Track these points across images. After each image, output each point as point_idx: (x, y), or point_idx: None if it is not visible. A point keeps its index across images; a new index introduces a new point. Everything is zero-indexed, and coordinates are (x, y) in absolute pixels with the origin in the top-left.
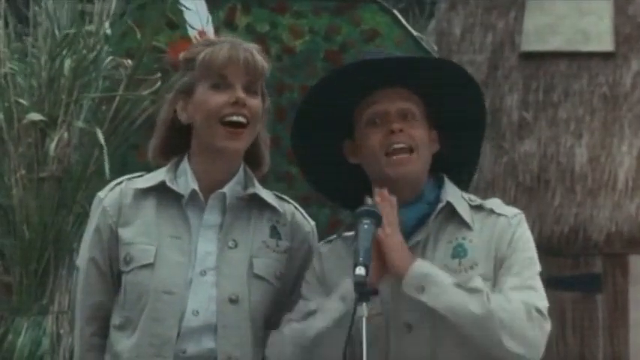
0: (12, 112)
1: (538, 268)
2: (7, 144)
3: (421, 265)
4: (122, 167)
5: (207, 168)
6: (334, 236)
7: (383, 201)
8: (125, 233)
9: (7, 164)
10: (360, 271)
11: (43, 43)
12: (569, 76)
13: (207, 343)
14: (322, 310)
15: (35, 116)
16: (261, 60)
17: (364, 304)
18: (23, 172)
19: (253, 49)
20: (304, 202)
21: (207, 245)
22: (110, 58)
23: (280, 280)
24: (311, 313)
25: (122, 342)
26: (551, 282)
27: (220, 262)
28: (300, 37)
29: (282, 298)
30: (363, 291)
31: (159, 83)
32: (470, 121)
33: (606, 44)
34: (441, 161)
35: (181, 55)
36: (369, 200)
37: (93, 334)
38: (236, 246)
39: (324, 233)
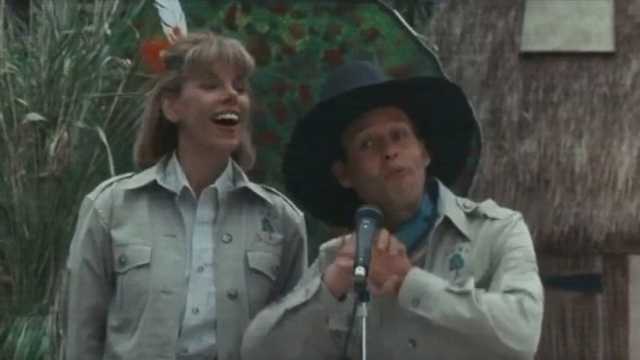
0: (12, 112)
1: (533, 260)
2: (6, 144)
3: (413, 276)
4: (124, 167)
5: (197, 165)
6: (336, 241)
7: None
8: (118, 234)
9: (7, 164)
10: (360, 271)
11: (42, 43)
12: (569, 76)
13: (208, 340)
14: (285, 300)
15: (35, 116)
16: (248, 56)
17: (364, 304)
18: (23, 172)
19: (239, 45)
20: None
21: (202, 241)
22: (109, 58)
23: (275, 274)
24: (278, 302)
25: (121, 343)
26: (552, 282)
27: (217, 258)
28: (300, 37)
29: (275, 290)
30: (363, 291)
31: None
32: (458, 122)
33: (606, 44)
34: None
35: (163, 54)
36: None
37: (90, 336)
38: (230, 240)
39: (324, 233)
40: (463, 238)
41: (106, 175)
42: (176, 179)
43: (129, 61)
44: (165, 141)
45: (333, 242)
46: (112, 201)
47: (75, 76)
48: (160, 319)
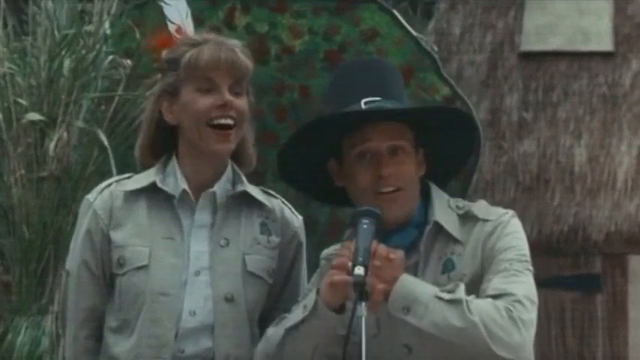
0: (11, 112)
1: (526, 259)
2: (6, 144)
3: (403, 284)
4: (123, 167)
5: (196, 168)
6: (335, 247)
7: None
8: (117, 236)
9: (6, 164)
10: (359, 270)
11: (42, 43)
12: (568, 76)
13: (205, 342)
14: (286, 318)
15: (34, 116)
16: (244, 59)
17: (363, 304)
18: (23, 171)
19: (236, 47)
20: (304, 202)
21: (199, 245)
22: (109, 58)
23: (272, 277)
24: (282, 319)
25: (119, 344)
26: (551, 282)
27: (213, 261)
28: (300, 36)
29: (273, 294)
30: (362, 291)
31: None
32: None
33: (606, 44)
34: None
35: (164, 55)
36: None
37: (87, 337)
38: (227, 244)
39: (324, 232)
40: (455, 241)
41: (105, 175)
42: (175, 181)
43: (129, 61)
44: (164, 142)
45: (333, 249)
46: (111, 202)
47: (75, 75)
48: (157, 320)
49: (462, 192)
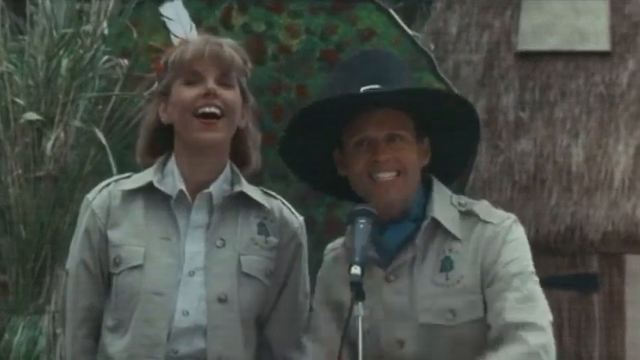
0: (9, 111)
1: (531, 268)
2: (3, 143)
3: None
4: (120, 166)
5: (193, 167)
6: (339, 244)
7: None
8: (114, 235)
9: (3, 163)
10: (356, 270)
11: (39, 42)
12: (565, 75)
13: (199, 343)
14: None
15: (32, 116)
16: (230, 51)
17: (360, 303)
18: (20, 171)
19: (224, 42)
20: (301, 202)
21: (194, 245)
22: (107, 57)
23: (270, 278)
24: None
25: (114, 344)
26: (548, 281)
27: (208, 262)
28: (297, 36)
29: (272, 296)
30: (359, 290)
31: (156, 83)
32: (462, 124)
33: (603, 44)
34: (434, 158)
35: (162, 60)
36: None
37: (85, 336)
38: (224, 245)
39: (321, 231)
40: (454, 238)
41: (102, 175)
42: (173, 181)
43: (126, 61)
44: (162, 143)
45: (337, 243)
46: (110, 201)
47: (72, 75)
48: (150, 320)
49: (459, 191)
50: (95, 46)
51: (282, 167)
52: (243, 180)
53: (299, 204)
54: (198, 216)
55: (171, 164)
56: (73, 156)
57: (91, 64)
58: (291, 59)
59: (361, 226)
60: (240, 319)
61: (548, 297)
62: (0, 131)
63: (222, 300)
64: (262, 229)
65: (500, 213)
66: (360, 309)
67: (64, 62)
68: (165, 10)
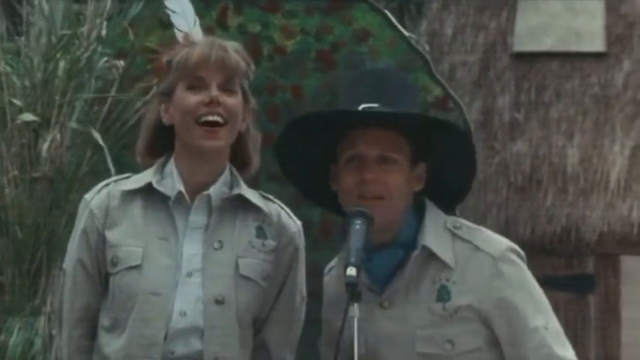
0: (5, 112)
1: (543, 297)
2: (0, 144)
3: None
4: (117, 167)
5: (192, 169)
6: (334, 262)
7: None
8: (112, 235)
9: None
10: (351, 271)
11: (36, 43)
12: (561, 76)
13: (195, 344)
14: None
15: (28, 117)
16: (236, 57)
17: (355, 304)
18: (16, 172)
19: (229, 47)
20: (296, 203)
21: (192, 247)
22: (104, 59)
23: (267, 281)
24: None
25: (111, 344)
26: (544, 282)
27: (206, 263)
28: (292, 37)
29: (270, 298)
30: (355, 291)
31: (153, 84)
32: (457, 151)
33: (598, 44)
34: (433, 183)
35: (163, 58)
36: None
37: (81, 336)
38: (221, 247)
39: (316, 234)
40: (448, 267)
41: (98, 176)
42: (172, 183)
43: (122, 62)
44: (163, 144)
45: (334, 262)
46: (108, 201)
47: (69, 76)
48: (147, 320)
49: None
50: (92, 47)
51: (277, 168)
52: (242, 183)
53: (294, 205)
54: (197, 217)
55: (171, 166)
56: (70, 157)
57: (88, 65)
58: (287, 60)
59: (357, 227)
60: (237, 320)
61: None
62: None
63: (219, 301)
64: (260, 233)
65: (499, 241)
66: (355, 310)
67: (61, 64)
68: (170, 3)
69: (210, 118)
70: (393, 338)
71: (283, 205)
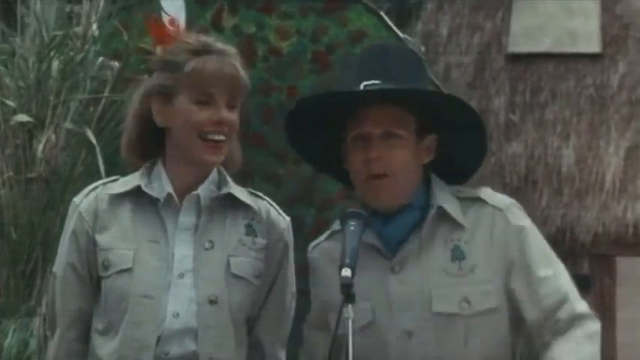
0: None
1: (549, 250)
2: None
3: None
4: (110, 168)
5: (181, 172)
6: (321, 238)
7: None
8: (102, 239)
9: None
10: (346, 272)
11: (30, 44)
12: (556, 77)
13: (190, 344)
14: None
15: (23, 117)
16: (244, 76)
17: (349, 305)
18: (11, 173)
19: (236, 62)
20: (291, 203)
21: (183, 248)
22: (98, 59)
23: (259, 279)
24: None
25: (104, 347)
26: None
27: (197, 264)
28: (287, 38)
29: (261, 295)
30: (349, 293)
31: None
32: (463, 125)
33: (594, 45)
34: (445, 158)
35: (161, 53)
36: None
37: (74, 339)
38: (212, 247)
39: (310, 233)
40: (460, 226)
41: (93, 176)
42: (160, 185)
43: (116, 63)
44: (151, 142)
45: (319, 240)
46: (97, 205)
47: (63, 77)
48: (139, 322)
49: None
50: (86, 47)
51: (272, 169)
52: (230, 181)
53: (288, 205)
54: (186, 218)
55: (159, 168)
56: (64, 158)
57: (82, 65)
58: (282, 61)
59: (352, 228)
60: (231, 320)
61: None
62: None
63: (212, 301)
64: (250, 230)
65: (503, 197)
66: (350, 311)
67: (55, 64)
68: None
69: (216, 137)
70: (405, 302)
71: (272, 202)
